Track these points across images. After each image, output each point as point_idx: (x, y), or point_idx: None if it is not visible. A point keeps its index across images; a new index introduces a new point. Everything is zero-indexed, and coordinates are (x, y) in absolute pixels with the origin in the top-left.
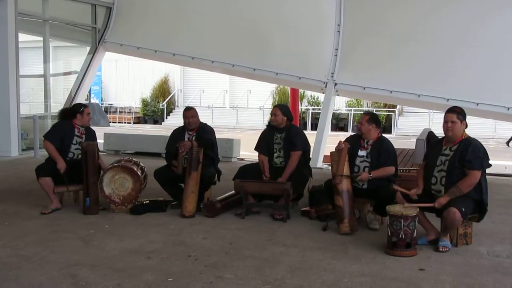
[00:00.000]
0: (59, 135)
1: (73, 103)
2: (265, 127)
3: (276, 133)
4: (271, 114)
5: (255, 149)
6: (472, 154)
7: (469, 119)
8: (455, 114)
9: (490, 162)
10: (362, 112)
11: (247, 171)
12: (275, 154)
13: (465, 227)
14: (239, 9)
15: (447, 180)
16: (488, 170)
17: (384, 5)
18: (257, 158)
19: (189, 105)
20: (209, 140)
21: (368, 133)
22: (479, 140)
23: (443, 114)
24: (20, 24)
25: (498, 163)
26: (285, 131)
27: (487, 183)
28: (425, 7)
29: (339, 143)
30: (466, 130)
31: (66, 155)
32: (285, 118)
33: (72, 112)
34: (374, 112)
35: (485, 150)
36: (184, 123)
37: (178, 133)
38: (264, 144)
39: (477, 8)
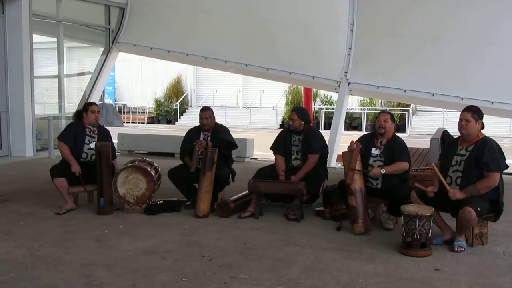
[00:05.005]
0: (72, 136)
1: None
2: (279, 126)
3: (294, 135)
4: (289, 118)
5: (271, 148)
6: (489, 156)
7: (484, 118)
8: (470, 112)
9: (506, 162)
10: (376, 112)
11: (265, 173)
12: (293, 156)
13: (480, 227)
14: (252, 9)
15: (462, 181)
16: None
17: (398, 5)
18: (273, 158)
19: (205, 105)
20: (224, 140)
21: (390, 131)
22: (494, 139)
23: (458, 113)
24: (34, 25)
25: None
26: (303, 133)
27: (503, 183)
28: (439, 6)
29: (351, 143)
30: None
31: (80, 156)
32: (303, 122)
33: (81, 112)
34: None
35: (502, 150)
36: (199, 123)
37: (193, 133)
38: (281, 145)
39: (493, 8)
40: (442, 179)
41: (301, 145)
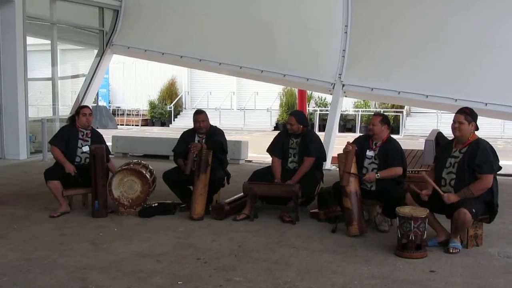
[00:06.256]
0: (64, 139)
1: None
2: (273, 128)
3: (292, 138)
4: (287, 122)
5: (268, 150)
6: (481, 158)
7: (478, 119)
8: (463, 115)
9: (500, 164)
10: (369, 113)
11: (261, 175)
12: (290, 159)
13: (475, 228)
14: (246, 11)
15: (456, 183)
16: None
17: (392, 7)
18: (269, 160)
19: (199, 108)
20: (219, 143)
21: (381, 134)
22: (488, 140)
23: (452, 114)
24: (28, 28)
25: (508, 164)
26: (301, 136)
27: (498, 185)
28: (433, 9)
29: (346, 145)
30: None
31: (74, 160)
32: (301, 126)
33: (74, 116)
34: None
35: (495, 152)
36: (194, 126)
37: (188, 135)
38: (278, 147)
39: (487, 10)
40: (436, 186)
41: (298, 148)
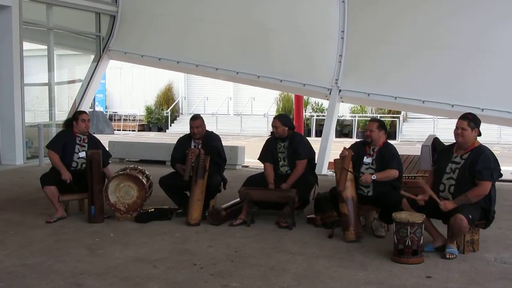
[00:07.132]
0: (61, 144)
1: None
2: (270, 134)
3: (279, 142)
4: (272, 126)
5: (259, 159)
6: (483, 165)
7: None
8: (467, 121)
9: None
10: (366, 119)
11: (255, 181)
12: (280, 163)
13: (472, 234)
14: (243, 16)
15: (455, 189)
16: None
17: (388, 12)
18: (263, 167)
19: (196, 114)
20: (215, 148)
21: (378, 140)
22: (485, 145)
23: (448, 119)
24: (25, 33)
25: (504, 169)
26: (287, 139)
27: (496, 192)
28: (430, 14)
29: (343, 150)
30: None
31: (70, 165)
32: (286, 128)
33: (71, 120)
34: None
35: (497, 160)
36: (190, 131)
37: (184, 141)
38: (268, 153)
39: (484, 15)
40: (433, 194)
41: (287, 151)
